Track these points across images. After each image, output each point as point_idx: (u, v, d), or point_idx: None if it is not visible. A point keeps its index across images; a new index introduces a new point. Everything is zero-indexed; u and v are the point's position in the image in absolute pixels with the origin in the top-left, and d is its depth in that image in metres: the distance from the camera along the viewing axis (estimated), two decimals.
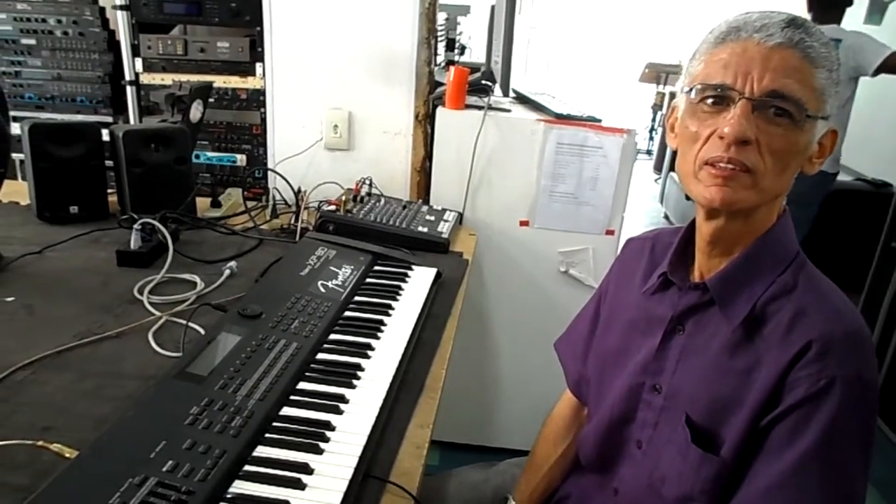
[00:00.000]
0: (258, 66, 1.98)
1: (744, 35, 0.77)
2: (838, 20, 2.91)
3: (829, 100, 0.78)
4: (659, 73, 6.83)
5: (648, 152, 6.99)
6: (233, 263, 1.39)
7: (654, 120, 7.07)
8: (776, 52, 0.75)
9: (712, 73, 0.79)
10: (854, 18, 3.57)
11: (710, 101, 0.79)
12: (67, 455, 0.79)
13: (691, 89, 0.81)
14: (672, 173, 5.08)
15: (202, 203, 1.75)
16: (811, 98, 0.76)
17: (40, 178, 1.56)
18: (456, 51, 3.01)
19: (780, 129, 0.76)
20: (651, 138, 7.11)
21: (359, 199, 1.73)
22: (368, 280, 1.34)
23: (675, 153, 0.87)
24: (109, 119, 2.11)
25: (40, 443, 0.80)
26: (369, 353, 1.07)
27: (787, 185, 0.82)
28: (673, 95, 6.04)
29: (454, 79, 1.88)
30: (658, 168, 6.16)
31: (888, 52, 2.77)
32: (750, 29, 0.77)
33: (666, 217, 5.34)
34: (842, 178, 3.26)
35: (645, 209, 5.58)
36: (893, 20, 3.48)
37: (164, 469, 0.72)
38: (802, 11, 3.01)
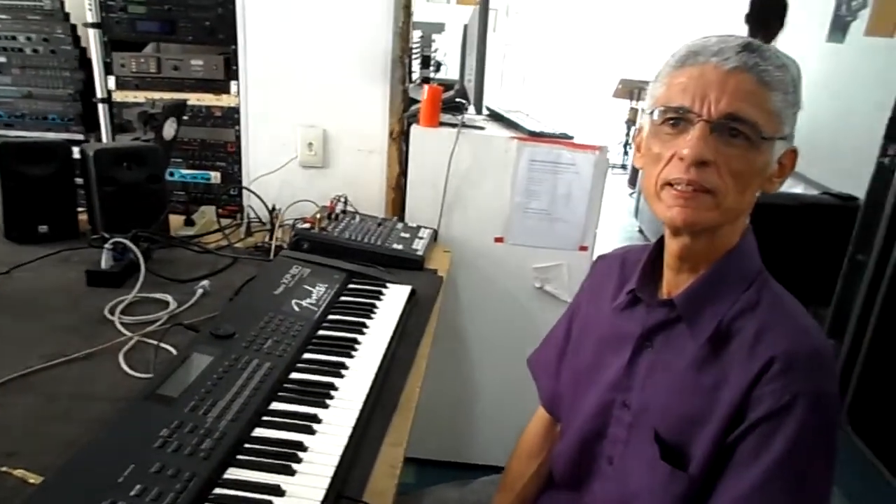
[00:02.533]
0: (232, 83, 1.98)
1: (701, 59, 0.80)
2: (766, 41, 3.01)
3: (786, 121, 0.81)
4: (632, 89, 6.94)
5: (623, 167, 7.09)
6: (206, 282, 1.38)
7: (627, 135, 7.17)
8: (732, 76, 0.78)
9: (672, 95, 0.81)
10: (817, 36, 3.67)
11: (670, 122, 0.81)
12: (31, 481, 0.78)
13: (653, 111, 0.83)
14: None
15: (175, 221, 1.74)
16: (767, 120, 0.79)
17: (8, 198, 1.54)
18: (431, 68, 3.03)
19: (738, 151, 0.78)
20: (625, 153, 7.21)
21: (334, 216, 1.74)
22: (342, 298, 1.34)
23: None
24: (81, 137, 2.09)
25: (4, 468, 0.79)
26: (343, 372, 1.07)
27: (749, 204, 0.84)
28: None
29: (428, 97, 1.89)
30: (633, 183, 6.24)
31: None
32: (707, 53, 0.80)
33: (641, 231, 5.40)
34: (808, 191, 3.33)
35: (620, 224, 5.64)
36: (856, 38, 3.58)
37: (132, 493, 0.71)
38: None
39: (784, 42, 3.12)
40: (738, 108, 0.77)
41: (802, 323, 0.83)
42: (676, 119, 0.80)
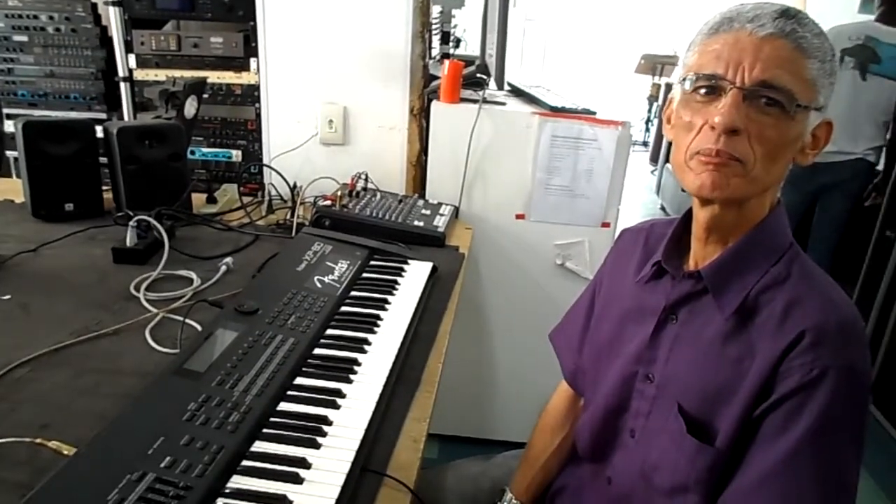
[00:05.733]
0: (252, 61, 1.98)
1: (736, 25, 0.77)
2: None
3: (822, 90, 0.78)
4: (654, 65, 6.83)
5: (644, 144, 7.01)
6: (229, 259, 1.39)
7: (649, 111, 7.08)
8: (767, 43, 0.76)
9: (705, 63, 0.79)
10: (849, 6, 3.58)
11: (702, 90, 0.79)
12: (66, 452, 0.79)
13: (685, 79, 0.81)
14: (668, 164, 5.09)
15: (198, 199, 1.75)
16: (803, 89, 0.76)
17: (35, 176, 1.56)
18: (451, 44, 3.00)
19: (771, 119, 0.76)
20: (647, 130, 7.13)
21: (354, 193, 1.73)
22: (364, 275, 1.34)
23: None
24: (103, 115, 2.10)
25: (38, 440, 0.81)
26: (366, 347, 1.08)
27: (780, 176, 0.82)
28: (669, 87, 6.06)
29: (449, 73, 1.87)
30: (654, 159, 6.17)
31: None
32: (742, 19, 0.77)
33: (662, 208, 5.35)
34: None
35: (641, 201, 5.59)
36: None
37: (162, 465, 0.72)
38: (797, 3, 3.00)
39: (816, 12, 3.03)
40: (773, 76, 0.75)
41: (834, 297, 0.81)
42: (709, 87, 0.78)
